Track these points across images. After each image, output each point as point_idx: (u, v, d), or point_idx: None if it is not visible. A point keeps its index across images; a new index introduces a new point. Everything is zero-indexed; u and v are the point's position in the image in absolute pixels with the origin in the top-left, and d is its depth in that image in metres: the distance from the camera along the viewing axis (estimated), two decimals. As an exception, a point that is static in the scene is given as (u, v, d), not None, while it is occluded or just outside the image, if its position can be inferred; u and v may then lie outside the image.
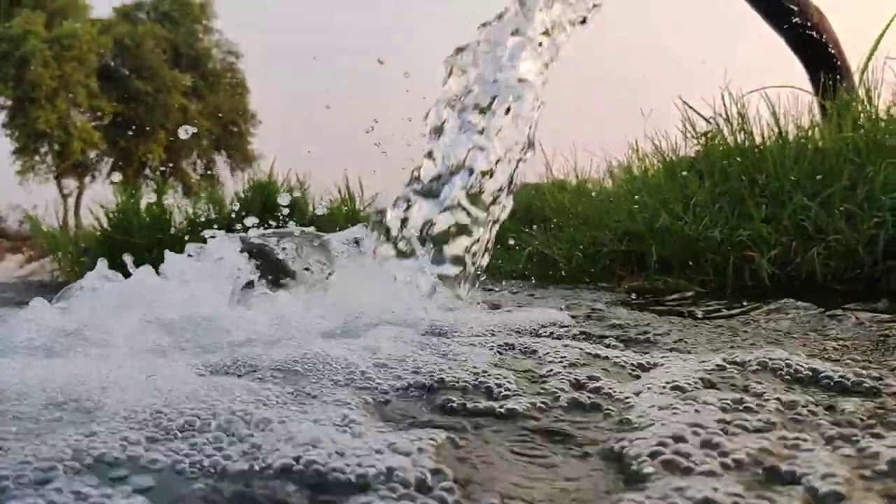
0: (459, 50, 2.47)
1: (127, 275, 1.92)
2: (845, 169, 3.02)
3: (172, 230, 5.34)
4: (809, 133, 3.48)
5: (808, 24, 3.96)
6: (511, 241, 4.07)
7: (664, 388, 1.09)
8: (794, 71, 4.17)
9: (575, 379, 1.17)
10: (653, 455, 0.77)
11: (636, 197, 3.83)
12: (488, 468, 0.79)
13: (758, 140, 3.60)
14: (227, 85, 33.26)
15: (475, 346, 1.45)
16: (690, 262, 3.21)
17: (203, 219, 5.38)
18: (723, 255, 3.08)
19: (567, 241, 3.97)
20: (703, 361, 1.26)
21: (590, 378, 1.16)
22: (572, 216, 4.33)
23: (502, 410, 1.00)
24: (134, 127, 28.63)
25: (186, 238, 2.33)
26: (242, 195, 5.52)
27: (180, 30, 32.19)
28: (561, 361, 1.31)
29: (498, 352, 1.42)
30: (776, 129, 3.56)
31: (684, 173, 3.70)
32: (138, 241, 5.06)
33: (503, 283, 3.57)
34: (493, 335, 1.62)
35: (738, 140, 3.68)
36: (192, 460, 0.76)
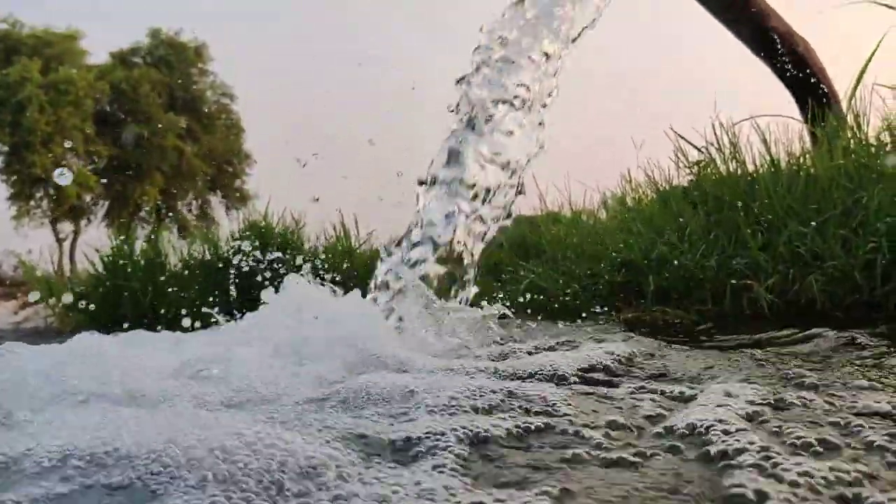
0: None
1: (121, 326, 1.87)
2: (838, 195, 3.03)
3: (168, 272, 5.31)
4: (801, 160, 3.50)
5: (795, 54, 4.02)
6: (507, 275, 4.06)
7: (754, 426, 1.05)
8: (783, 97, 4.22)
9: (666, 422, 1.12)
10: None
11: (632, 228, 3.83)
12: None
13: (750, 168, 3.62)
14: (222, 126, 33.57)
15: (546, 388, 1.38)
16: (688, 292, 3.20)
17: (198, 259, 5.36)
18: (720, 283, 3.07)
19: (563, 274, 3.96)
20: (780, 398, 1.23)
21: (679, 421, 1.11)
22: (568, 248, 4.32)
23: (612, 457, 0.96)
24: (130, 170, 28.77)
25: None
26: (238, 235, 5.51)
27: (176, 73, 32.58)
28: (635, 402, 1.26)
29: (571, 392, 1.37)
30: (768, 157, 3.58)
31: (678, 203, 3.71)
32: (133, 284, 5.03)
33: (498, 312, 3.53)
34: (554, 376, 1.58)
35: (731, 168, 3.70)
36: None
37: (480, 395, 1.27)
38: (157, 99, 31.17)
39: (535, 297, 3.76)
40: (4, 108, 27.35)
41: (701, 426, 1.06)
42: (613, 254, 3.79)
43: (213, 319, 2.59)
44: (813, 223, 2.97)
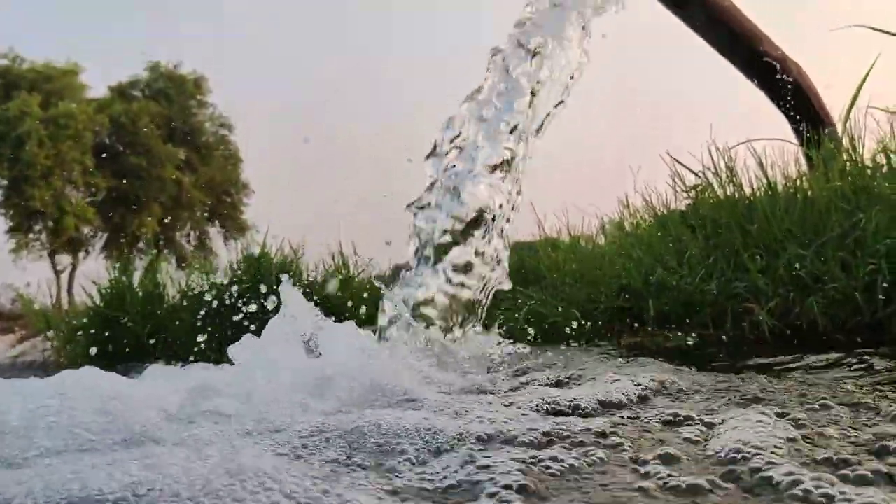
0: None
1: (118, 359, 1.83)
2: (836, 217, 3.04)
3: (166, 304, 5.28)
4: (798, 183, 3.51)
5: (788, 78, 4.05)
6: (503, 301, 4.04)
7: (799, 456, 1.03)
8: (777, 120, 4.24)
9: (714, 450, 1.10)
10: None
11: (630, 253, 3.83)
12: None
13: (747, 191, 3.63)
14: (221, 157, 33.77)
15: (582, 422, 1.34)
16: (688, 316, 3.19)
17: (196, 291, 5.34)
18: (720, 307, 3.06)
19: (563, 300, 3.94)
20: (814, 427, 1.21)
21: (726, 449, 1.09)
22: (567, 274, 4.31)
23: (681, 486, 0.94)
24: (129, 202, 28.86)
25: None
26: (236, 266, 5.49)
27: (174, 105, 32.85)
28: (677, 430, 1.24)
29: (610, 422, 1.34)
30: (765, 181, 3.59)
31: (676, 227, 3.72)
32: (132, 317, 5.00)
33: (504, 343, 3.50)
34: (584, 408, 1.54)
35: (728, 192, 3.71)
36: None
37: (519, 430, 1.23)
38: (155, 131, 31.37)
39: (535, 323, 3.74)
40: (4, 143, 27.52)
41: (750, 454, 1.05)
42: (613, 279, 3.78)
43: (193, 358, 2.55)
44: (812, 246, 2.97)
